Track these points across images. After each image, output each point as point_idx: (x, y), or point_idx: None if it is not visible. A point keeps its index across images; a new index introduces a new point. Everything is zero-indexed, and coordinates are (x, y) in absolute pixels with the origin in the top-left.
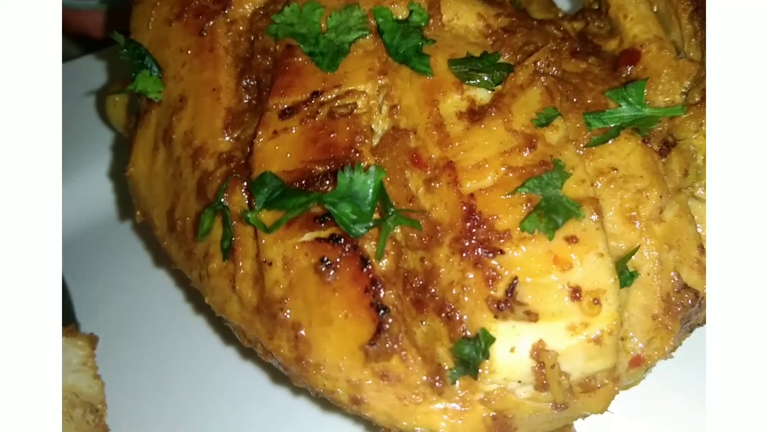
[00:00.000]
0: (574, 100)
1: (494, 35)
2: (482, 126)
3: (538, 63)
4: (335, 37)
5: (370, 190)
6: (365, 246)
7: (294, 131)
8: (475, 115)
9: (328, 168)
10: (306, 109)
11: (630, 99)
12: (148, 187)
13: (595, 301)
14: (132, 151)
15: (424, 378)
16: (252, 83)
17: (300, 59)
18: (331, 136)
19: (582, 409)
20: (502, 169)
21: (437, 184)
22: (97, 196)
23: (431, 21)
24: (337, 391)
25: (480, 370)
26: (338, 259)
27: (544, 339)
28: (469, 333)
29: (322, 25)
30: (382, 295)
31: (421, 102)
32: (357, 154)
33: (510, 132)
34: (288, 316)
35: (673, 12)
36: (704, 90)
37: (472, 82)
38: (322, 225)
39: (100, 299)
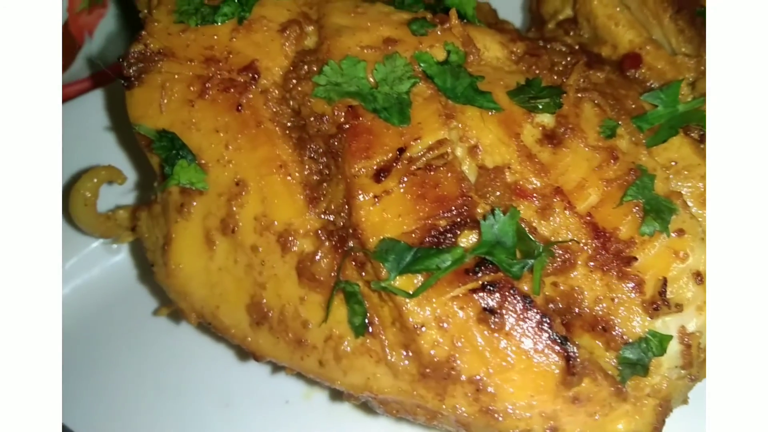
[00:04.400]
0: (618, 108)
1: (522, 61)
2: (566, 148)
3: (579, 80)
4: (389, 89)
5: (511, 232)
6: (520, 286)
7: (396, 192)
8: (552, 139)
9: (452, 220)
10: (399, 167)
11: (664, 98)
12: (208, 286)
13: None
14: (171, 249)
15: (612, 389)
16: (316, 152)
17: (367, 118)
18: (438, 188)
19: (703, 375)
20: (602, 183)
21: (553, 212)
22: None
23: (469, 58)
24: (532, 429)
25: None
26: (502, 304)
27: (684, 324)
28: (630, 339)
29: (370, 79)
30: (554, 327)
31: (503, 138)
32: (470, 200)
33: (590, 148)
34: (462, 372)
35: (651, 14)
36: None
37: (539, 108)
38: (477, 276)
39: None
